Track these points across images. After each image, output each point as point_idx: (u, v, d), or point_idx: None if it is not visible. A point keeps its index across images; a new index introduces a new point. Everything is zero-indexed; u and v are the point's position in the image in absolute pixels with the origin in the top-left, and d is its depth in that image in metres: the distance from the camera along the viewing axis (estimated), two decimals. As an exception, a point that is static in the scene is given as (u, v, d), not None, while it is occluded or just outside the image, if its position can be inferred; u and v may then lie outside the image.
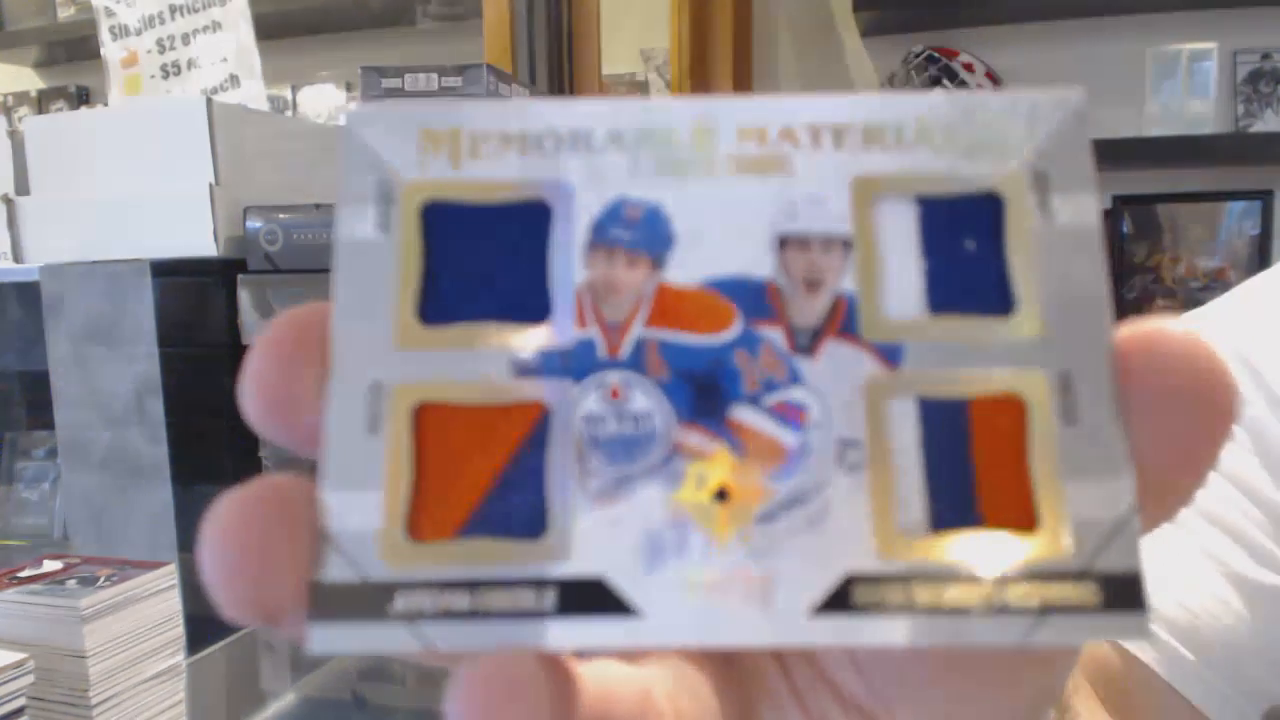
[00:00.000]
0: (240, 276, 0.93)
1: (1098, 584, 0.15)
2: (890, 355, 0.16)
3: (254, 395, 0.16)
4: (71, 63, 2.40)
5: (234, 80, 1.13)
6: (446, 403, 0.16)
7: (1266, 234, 1.63)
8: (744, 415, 0.16)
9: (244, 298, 0.93)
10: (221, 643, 0.91)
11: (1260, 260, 1.61)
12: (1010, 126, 0.17)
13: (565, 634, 0.15)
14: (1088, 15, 1.70)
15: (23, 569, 0.76)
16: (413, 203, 0.17)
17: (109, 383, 0.92)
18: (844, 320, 0.17)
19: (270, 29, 1.21)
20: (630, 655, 0.19)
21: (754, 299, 0.17)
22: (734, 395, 0.16)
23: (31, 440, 1.20)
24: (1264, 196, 1.63)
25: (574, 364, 0.16)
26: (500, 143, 0.17)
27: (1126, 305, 1.69)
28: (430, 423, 0.16)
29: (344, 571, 0.15)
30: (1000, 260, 0.17)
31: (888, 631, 0.15)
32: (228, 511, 0.15)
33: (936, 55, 1.71)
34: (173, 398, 0.90)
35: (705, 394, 0.16)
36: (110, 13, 1.14)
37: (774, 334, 0.17)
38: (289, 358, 0.16)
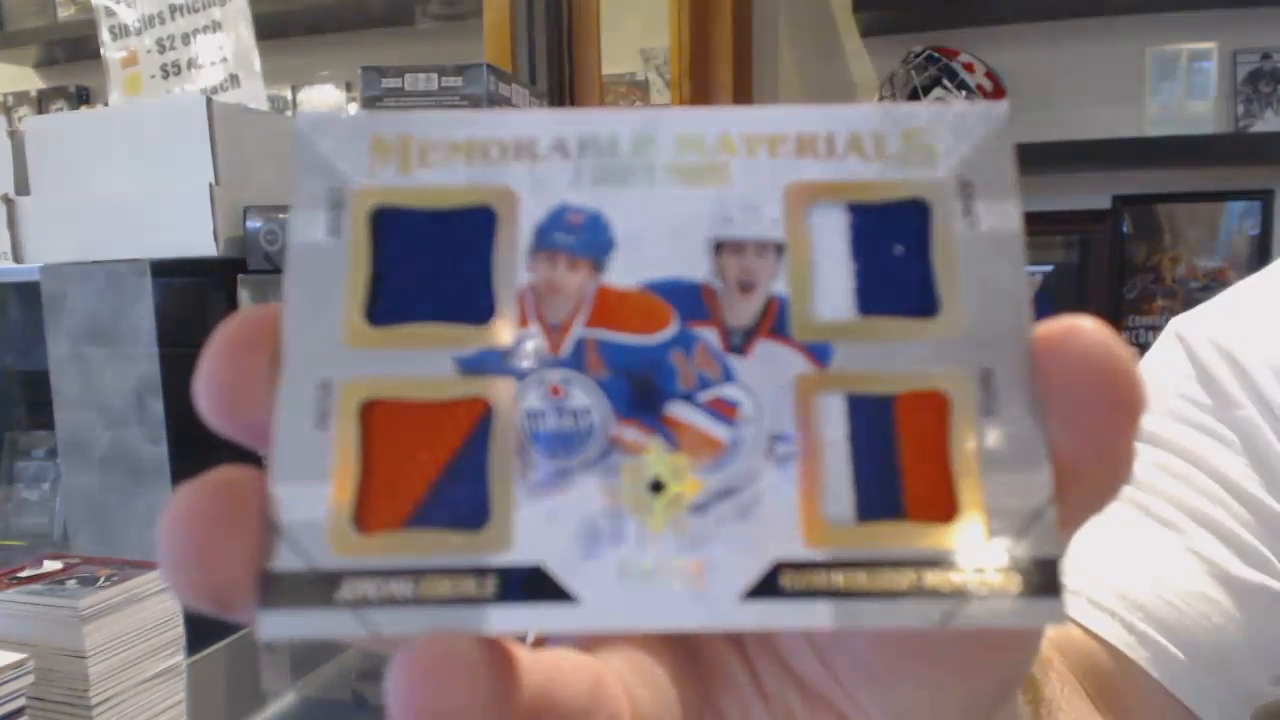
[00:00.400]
0: (240, 276, 0.93)
1: (1015, 571, 0.16)
2: (820, 354, 0.17)
3: (206, 391, 0.16)
4: (71, 63, 2.40)
5: (234, 80, 1.13)
6: (393, 399, 0.17)
7: (1266, 234, 1.64)
8: (679, 411, 0.17)
9: (244, 298, 0.93)
10: (222, 643, 0.91)
11: (1260, 260, 1.61)
12: (937, 137, 0.18)
13: (506, 619, 0.16)
14: (1088, 15, 1.70)
15: (23, 569, 0.76)
16: (362, 208, 0.17)
17: (109, 382, 0.92)
18: (776, 321, 0.17)
19: (270, 29, 1.21)
20: (586, 644, 0.20)
21: (690, 300, 0.17)
22: (670, 392, 0.17)
23: (31, 440, 1.20)
24: (1264, 196, 1.64)
25: (516, 362, 0.17)
26: (448, 151, 0.18)
27: (1126, 305, 1.69)
28: (377, 418, 0.17)
29: (292, 561, 0.16)
30: (926, 264, 0.17)
31: (813, 615, 0.16)
32: (181, 502, 0.15)
33: (936, 55, 1.71)
34: (173, 397, 0.90)
35: (642, 391, 0.17)
36: (110, 12, 1.14)
37: (709, 334, 0.17)
38: (241, 355, 0.16)
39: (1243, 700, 0.43)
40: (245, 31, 1.13)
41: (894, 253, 0.18)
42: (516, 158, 0.18)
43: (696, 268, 0.17)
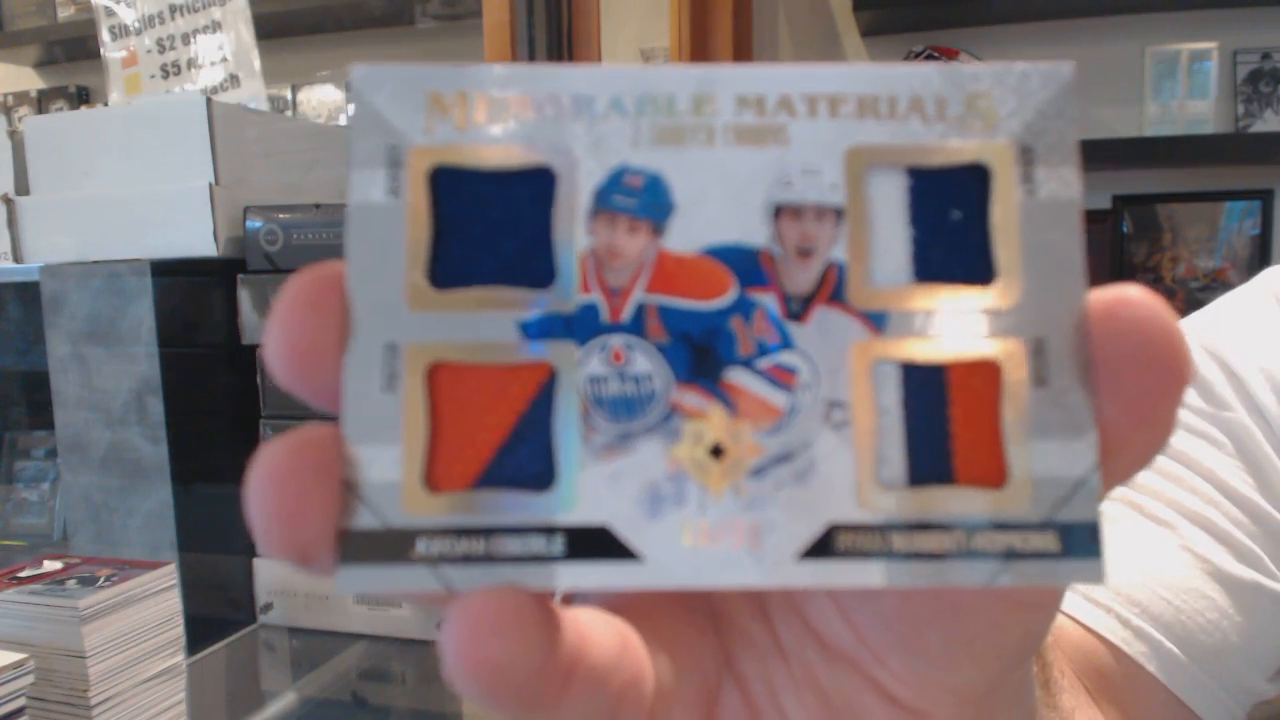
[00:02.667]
0: (240, 276, 0.93)
1: (1058, 534, 0.17)
2: (877, 321, 0.17)
3: (278, 353, 0.17)
4: (71, 62, 2.39)
5: (234, 80, 1.12)
6: (458, 363, 0.17)
7: (1266, 234, 1.63)
8: (738, 377, 0.17)
9: (244, 298, 0.93)
10: (222, 643, 0.91)
11: (1260, 260, 1.61)
12: (1000, 99, 0.18)
13: (572, 576, 0.17)
14: (1087, 15, 1.70)
15: (22, 569, 0.76)
16: (421, 167, 0.17)
17: (109, 382, 0.92)
18: (834, 288, 0.18)
19: (270, 28, 1.21)
20: (613, 605, 0.20)
21: (749, 266, 0.18)
22: (729, 358, 0.17)
23: (31, 440, 1.20)
24: (1264, 196, 1.63)
25: (578, 327, 0.17)
26: (505, 108, 0.18)
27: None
28: (443, 382, 0.17)
29: (369, 520, 0.16)
30: (984, 231, 0.18)
31: (866, 574, 0.17)
32: (269, 460, 0.16)
33: (936, 55, 1.71)
34: (173, 398, 0.90)
35: (702, 357, 0.17)
36: (110, 12, 1.14)
37: (768, 300, 0.18)
38: (309, 316, 0.17)
39: (1239, 696, 0.43)
40: (245, 31, 1.12)
41: (952, 219, 0.18)
42: (575, 116, 0.18)
43: (756, 233, 0.18)
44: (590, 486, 0.17)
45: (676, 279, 0.18)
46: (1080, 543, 0.17)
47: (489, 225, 0.18)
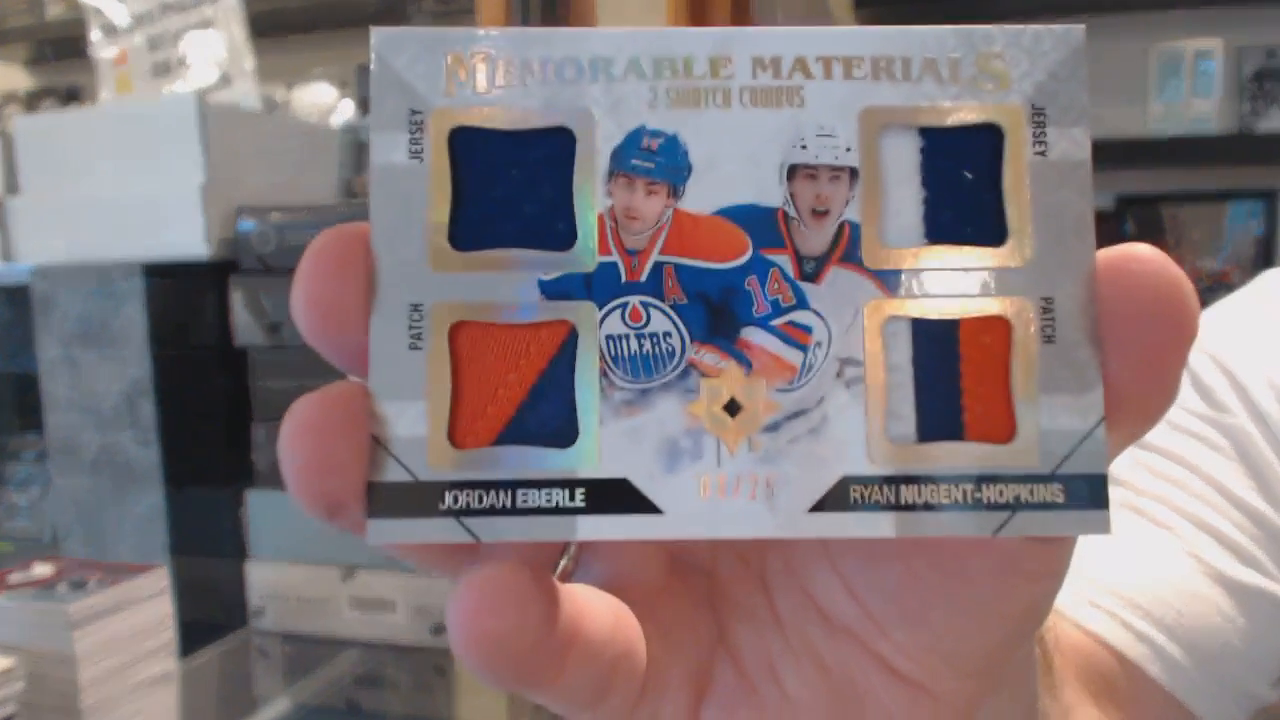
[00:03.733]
0: (232, 277, 0.92)
1: (1063, 485, 0.17)
2: (889, 281, 0.18)
3: (306, 312, 0.17)
4: (61, 61, 2.38)
5: (226, 79, 1.12)
6: (480, 322, 0.18)
7: (1271, 234, 1.63)
8: (753, 335, 0.18)
9: (236, 299, 0.92)
10: (214, 648, 0.90)
11: (1265, 261, 1.60)
12: (1013, 60, 0.18)
13: (594, 528, 0.17)
14: (1090, 12, 1.69)
15: (12, 573, 0.76)
16: (441, 128, 0.18)
17: (100, 385, 0.91)
18: (847, 248, 0.18)
19: (263, 26, 1.20)
20: (609, 582, 0.21)
21: (765, 227, 0.18)
22: (745, 317, 0.18)
23: (21, 443, 1.19)
24: (1268, 196, 1.63)
25: (597, 287, 0.18)
26: (524, 69, 0.18)
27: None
28: (466, 340, 0.18)
29: (398, 473, 0.17)
30: (996, 191, 0.18)
31: (877, 525, 0.17)
32: (301, 414, 0.17)
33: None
34: (164, 400, 0.90)
35: (718, 315, 0.18)
36: (100, 11, 1.13)
37: (782, 260, 0.18)
38: (335, 276, 0.17)
39: (1241, 701, 0.43)
40: (237, 30, 1.12)
41: (965, 179, 0.18)
42: (593, 79, 0.18)
43: (771, 194, 0.18)
44: (610, 442, 0.17)
45: (693, 240, 0.18)
46: (1085, 494, 0.17)
47: (509, 187, 0.18)
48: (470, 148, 0.18)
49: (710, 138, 0.18)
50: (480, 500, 0.17)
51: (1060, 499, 0.17)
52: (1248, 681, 0.43)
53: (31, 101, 2.35)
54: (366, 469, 0.17)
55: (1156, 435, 0.47)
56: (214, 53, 1.11)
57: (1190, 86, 1.58)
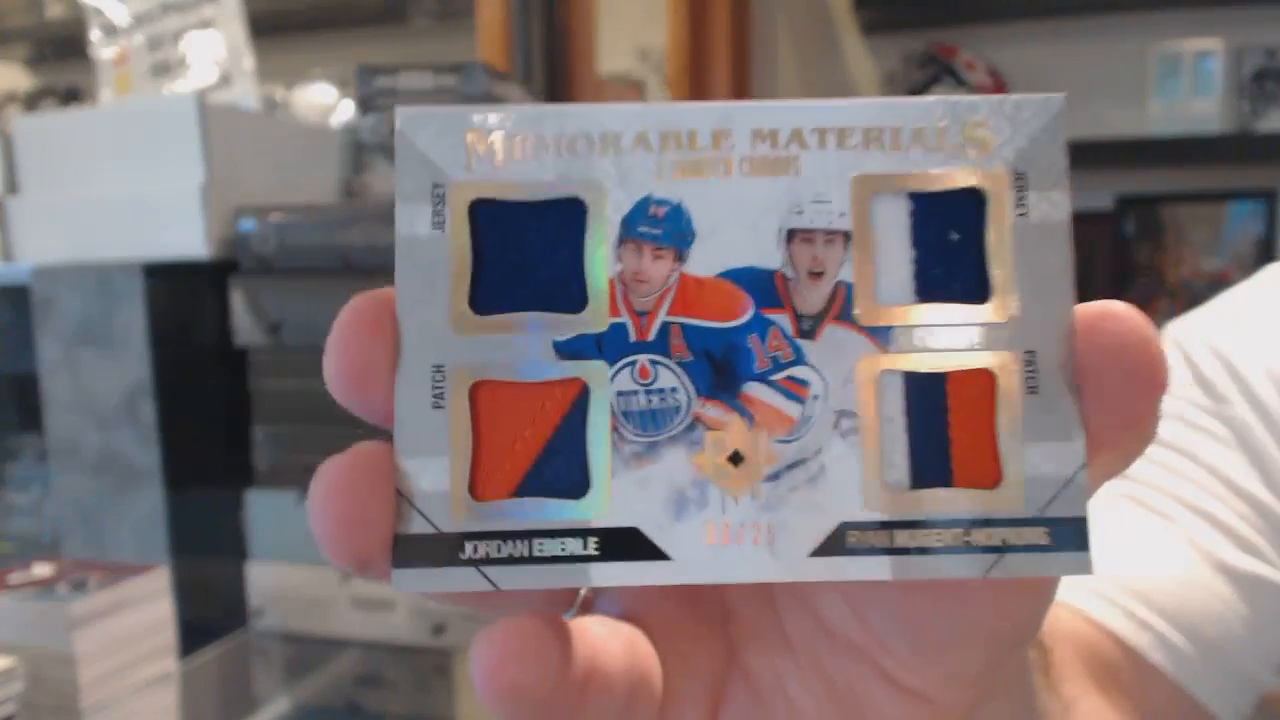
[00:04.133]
0: (232, 277, 0.92)
1: (1048, 529, 0.18)
2: (882, 337, 0.19)
3: (338, 374, 0.19)
4: (61, 61, 2.38)
5: (226, 79, 1.12)
6: (498, 381, 0.19)
7: (1271, 235, 1.62)
8: (755, 390, 0.19)
9: (236, 299, 0.92)
10: (214, 648, 0.90)
11: (1265, 261, 1.60)
12: (996, 128, 0.20)
13: (606, 574, 0.18)
14: (1090, 13, 1.69)
15: (12, 573, 0.76)
16: (461, 201, 0.19)
17: (100, 385, 0.91)
18: (842, 307, 0.19)
19: (263, 27, 1.20)
20: (624, 605, 0.23)
21: (764, 288, 0.19)
22: (747, 373, 0.19)
23: (21, 443, 1.18)
24: (1268, 196, 1.62)
25: (608, 347, 0.19)
26: (538, 144, 0.19)
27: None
28: (485, 398, 0.19)
29: (422, 525, 0.18)
30: (981, 250, 0.19)
31: (874, 568, 0.19)
32: (331, 474, 0.18)
33: (937, 54, 1.70)
34: (164, 400, 0.89)
35: (722, 372, 0.19)
36: (100, 11, 1.13)
37: (781, 319, 0.19)
38: (364, 341, 0.19)
39: (1243, 687, 0.44)
40: (237, 30, 1.12)
41: (951, 240, 0.20)
42: (603, 151, 0.19)
43: (770, 257, 0.19)
44: (621, 492, 0.19)
45: (698, 301, 0.19)
46: (1068, 537, 0.18)
47: (526, 253, 0.20)
48: (489, 218, 0.19)
49: (713, 205, 0.19)
50: (499, 550, 0.18)
51: (1045, 541, 0.18)
52: (1250, 668, 0.44)
53: (31, 101, 2.35)
54: (393, 523, 0.18)
55: (1159, 428, 0.47)
56: (214, 53, 1.11)
57: (1190, 86, 1.58)
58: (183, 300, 0.93)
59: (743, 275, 0.19)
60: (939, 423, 0.19)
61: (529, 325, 0.19)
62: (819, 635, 0.24)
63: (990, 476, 0.19)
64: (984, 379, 0.19)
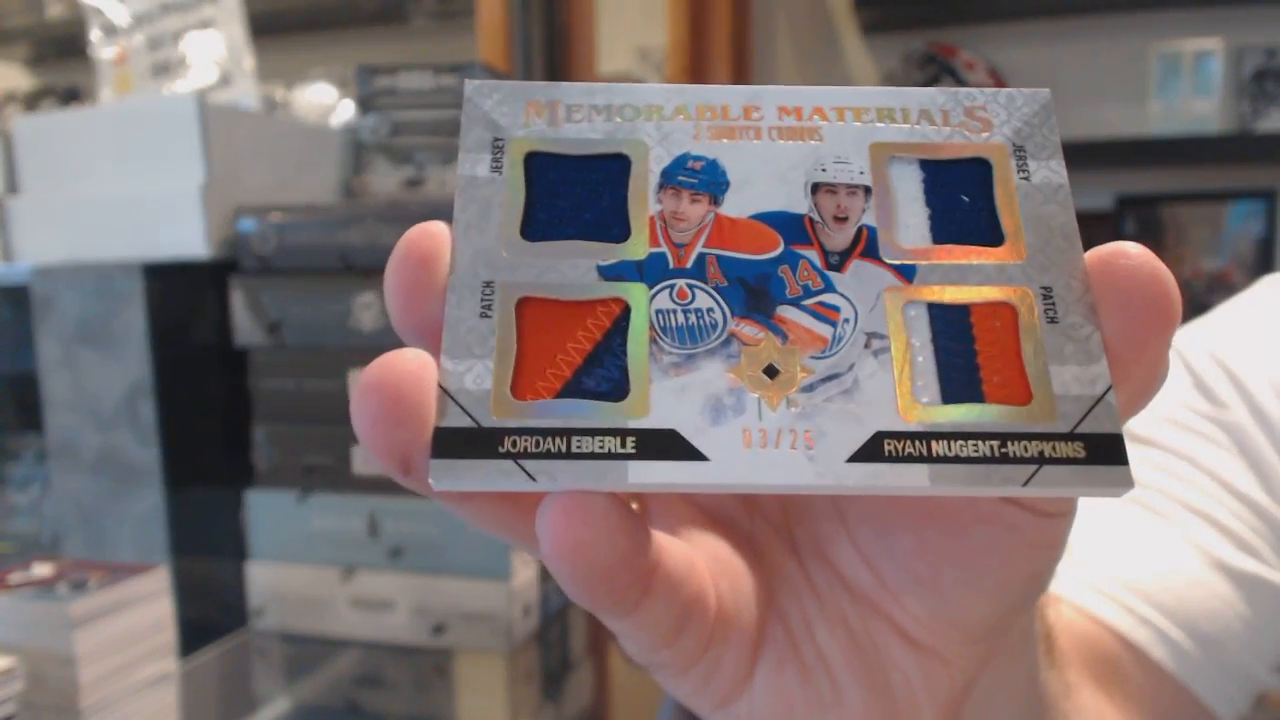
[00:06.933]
0: (232, 277, 0.92)
1: (1084, 443, 0.19)
2: (905, 272, 0.20)
3: (393, 292, 0.20)
4: (61, 61, 2.38)
5: (226, 79, 1.11)
6: (544, 297, 0.20)
7: (1271, 234, 1.62)
8: (788, 313, 0.20)
9: (236, 299, 0.92)
10: (214, 648, 0.90)
11: (1264, 260, 1.60)
12: (993, 111, 0.22)
13: (643, 473, 0.18)
14: (1090, 13, 1.69)
15: (12, 573, 0.75)
16: (518, 152, 0.21)
17: (100, 385, 0.91)
18: (867, 245, 0.21)
19: (263, 27, 1.20)
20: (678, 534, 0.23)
21: (794, 228, 0.21)
22: (779, 298, 0.20)
23: (21, 443, 1.18)
24: (1268, 197, 1.62)
25: (648, 271, 0.20)
26: (590, 111, 0.22)
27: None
28: (531, 313, 0.20)
29: (461, 419, 0.19)
30: (990, 208, 0.21)
31: (912, 477, 0.18)
32: (373, 371, 0.18)
33: (937, 54, 1.70)
34: (164, 400, 0.89)
35: (756, 296, 0.20)
36: (100, 11, 1.13)
37: (810, 254, 0.21)
38: (420, 265, 0.20)
39: (1242, 684, 0.44)
40: (237, 30, 1.11)
41: (962, 199, 0.21)
42: (647, 118, 0.22)
43: (798, 204, 0.21)
44: (659, 397, 0.19)
45: (732, 236, 0.21)
46: (1105, 452, 0.18)
47: (573, 197, 0.21)
48: (542, 167, 0.21)
49: (745, 161, 0.21)
50: (537, 445, 0.18)
51: (1082, 454, 0.18)
52: (1249, 666, 0.44)
53: (31, 101, 2.34)
54: (433, 418, 0.18)
55: (1158, 431, 0.49)
56: (214, 53, 1.11)
57: (1190, 86, 1.58)
58: (182, 300, 0.93)
59: (773, 217, 0.21)
60: (966, 349, 0.20)
61: (574, 251, 0.21)
62: (839, 585, 0.25)
63: (1021, 395, 0.19)
64: (1005, 311, 0.20)
